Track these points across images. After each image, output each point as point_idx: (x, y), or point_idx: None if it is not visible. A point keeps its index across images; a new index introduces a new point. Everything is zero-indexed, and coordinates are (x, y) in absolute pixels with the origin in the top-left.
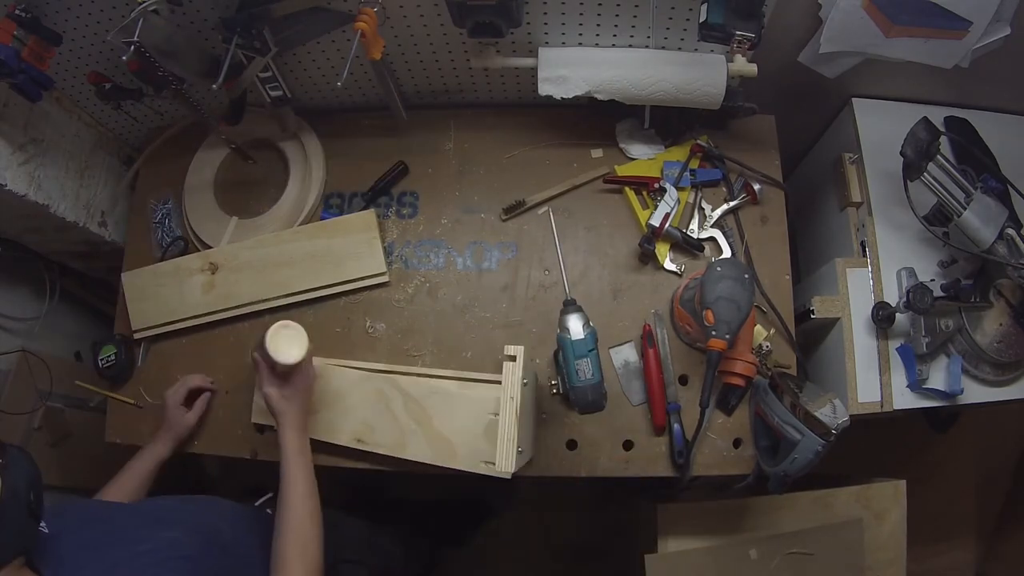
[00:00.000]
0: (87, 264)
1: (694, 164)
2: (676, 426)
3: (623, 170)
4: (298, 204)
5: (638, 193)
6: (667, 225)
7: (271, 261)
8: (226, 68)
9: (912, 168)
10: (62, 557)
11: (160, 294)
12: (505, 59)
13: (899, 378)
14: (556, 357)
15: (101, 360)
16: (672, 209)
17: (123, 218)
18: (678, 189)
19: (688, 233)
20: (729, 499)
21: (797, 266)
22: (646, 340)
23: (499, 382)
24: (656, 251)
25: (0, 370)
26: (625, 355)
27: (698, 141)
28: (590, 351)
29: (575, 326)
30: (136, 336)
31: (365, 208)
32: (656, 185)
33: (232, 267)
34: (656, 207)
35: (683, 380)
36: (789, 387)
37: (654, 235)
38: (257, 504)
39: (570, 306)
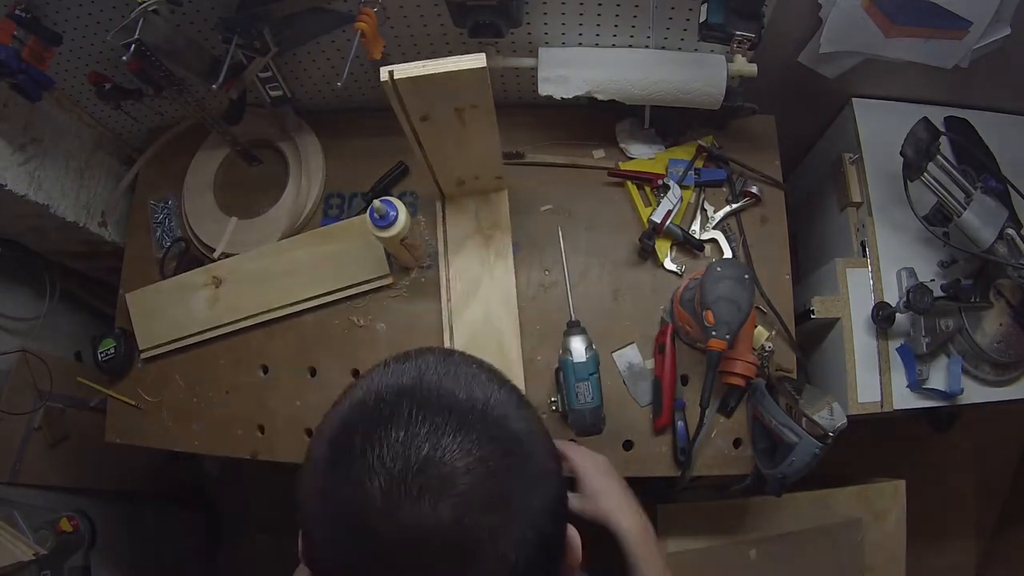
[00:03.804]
0: (87, 264)
1: (699, 163)
2: (680, 423)
3: (626, 166)
4: (298, 204)
5: (640, 189)
6: (668, 222)
7: (274, 271)
8: (226, 68)
9: (912, 168)
10: None
11: (166, 312)
12: (505, 59)
13: (899, 378)
14: (557, 376)
15: (100, 353)
16: (675, 206)
17: (123, 218)
18: (681, 187)
19: (690, 232)
20: (729, 499)
21: (797, 266)
22: (669, 339)
23: None
24: (656, 248)
25: (0, 370)
26: (628, 357)
27: (700, 142)
28: (591, 375)
29: (577, 348)
30: (144, 356)
31: (365, 209)
32: (659, 182)
33: (235, 280)
34: (659, 204)
35: (683, 380)
36: (786, 389)
37: (655, 231)
38: None
39: (574, 328)
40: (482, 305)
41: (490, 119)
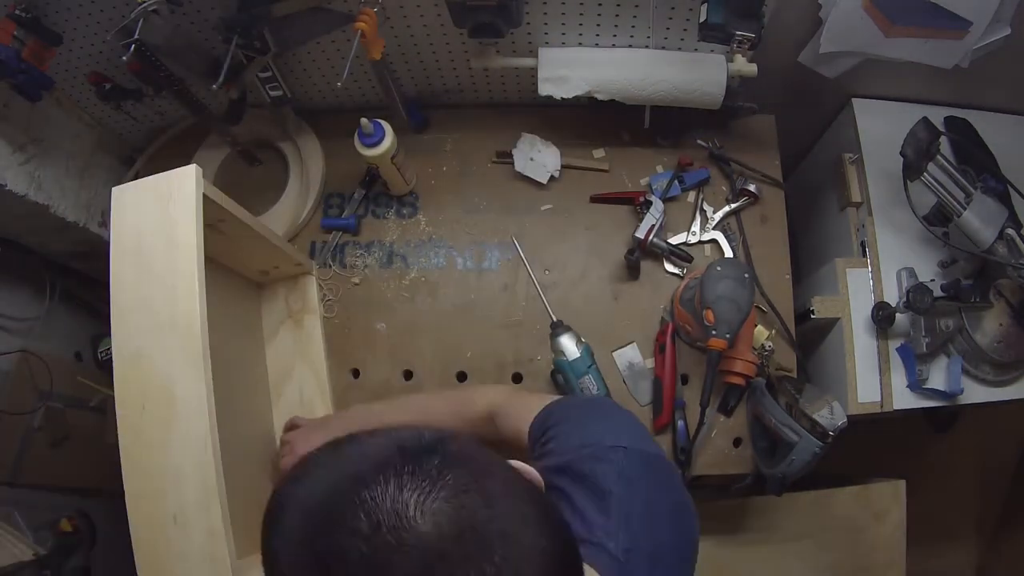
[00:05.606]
0: (87, 264)
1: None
2: (680, 423)
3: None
4: (298, 204)
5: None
6: (652, 237)
7: None
8: (226, 68)
9: (912, 168)
10: None
11: None
12: (505, 59)
13: (899, 378)
14: (554, 378)
15: (100, 353)
16: (657, 221)
17: None
18: (665, 201)
19: (673, 244)
20: (729, 499)
21: (797, 266)
22: (670, 338)
23: None
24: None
25: (0, 370)
26: (628, 356)
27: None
28: (589, 367)
29: (568, 347)
30: None
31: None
32: (642, 199)
33: None
34: (642, 220)
35: (683, 379)
36: (786, 388)
37: (639, 247)
38: None
39: (558, 328)
40: (296, 389)
41: (247, 230)
